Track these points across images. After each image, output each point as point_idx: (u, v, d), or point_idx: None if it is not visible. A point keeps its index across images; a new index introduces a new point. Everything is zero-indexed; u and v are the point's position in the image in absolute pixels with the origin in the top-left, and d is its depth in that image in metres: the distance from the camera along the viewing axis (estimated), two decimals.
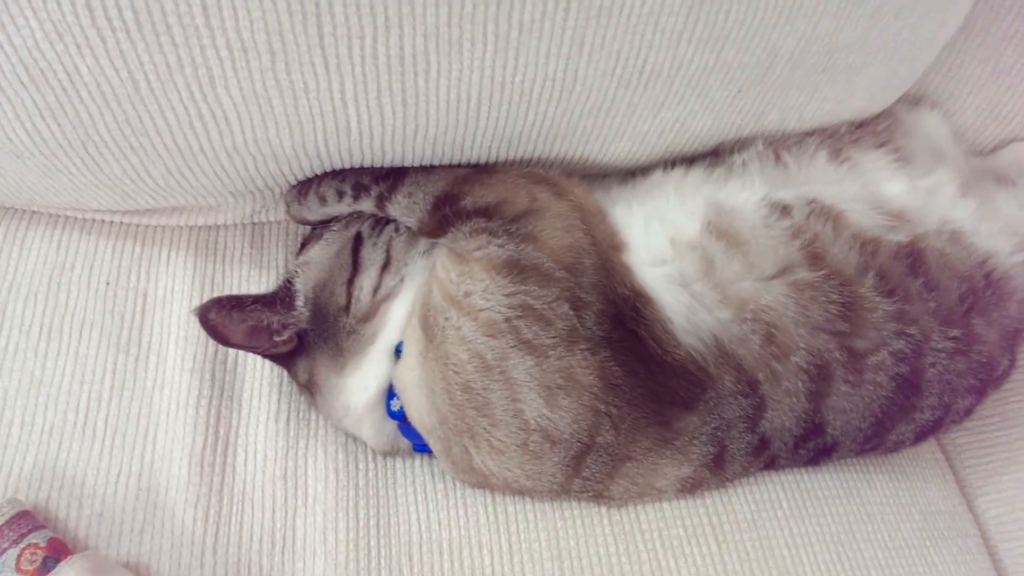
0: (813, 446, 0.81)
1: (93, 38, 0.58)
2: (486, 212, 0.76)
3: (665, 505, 0.82)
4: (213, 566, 0.72)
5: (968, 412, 0.88)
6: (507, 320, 0.72)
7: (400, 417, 0.76)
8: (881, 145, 0.93)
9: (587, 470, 0.76)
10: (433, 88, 0.68)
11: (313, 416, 0.81)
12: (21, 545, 0.66)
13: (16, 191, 0.80)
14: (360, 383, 0.76)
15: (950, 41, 0.99)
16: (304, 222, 0.86)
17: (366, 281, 0.76)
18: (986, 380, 0.85)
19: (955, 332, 0.79)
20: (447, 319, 0.73)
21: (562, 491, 0.78)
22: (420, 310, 0.75)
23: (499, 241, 0.74)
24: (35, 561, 0.66)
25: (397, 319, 0.76)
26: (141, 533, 0.72)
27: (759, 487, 0.85)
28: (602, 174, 0.91)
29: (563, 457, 0.74)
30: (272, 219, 0.92)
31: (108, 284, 0.85)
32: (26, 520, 0.69)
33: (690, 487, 0.81)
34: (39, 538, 0.68)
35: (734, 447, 0.78)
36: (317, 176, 0.82)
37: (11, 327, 0.81)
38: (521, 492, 0.80)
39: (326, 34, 0.60)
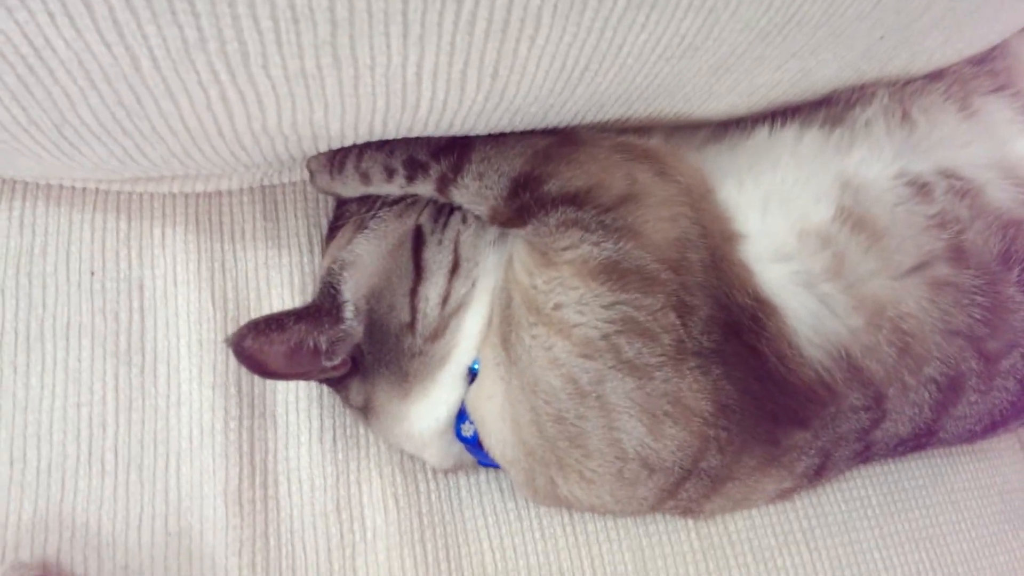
0: (912, 444, 0.74)
1: (74, 6, 0.39)
2: (575, 199, 0.62)
3: (755, 513, 0.75)
4: None
5: None
6: (605, 337, 0.60)
7: (473, 443, 0.65)
8: (999, 89, 0.79)
9: (684, 493, 0.67)
10: (536, 55, 0.51)
11: (361, 430, 0.69)
12: None
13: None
14: (428, 411, 0.64)
15: None
16: (332, 195, 0.69)
17: (432, 290, 0.62)
18: None
19: None
20: (534, 337, 0.60)
21: (651, 511, 0.70)
22: (499, 325, 0.62)
23: (594, 238, 0.61)
24: None
25: (471, 335, 0.63)
26: None
27: (848, 483, 0.79)
28: (692, 126, 0.76)
29: (661, 483, 0.65)
30: (286, 180, 0.75)
31: (92, 274, 0.68)
32: None
33: (784, 496, 0.74)
34: None
35: (838, 455, 0.71)
36: (360, 146, 0.65)
37: None
38: (605, 513, 0.71)
39: None
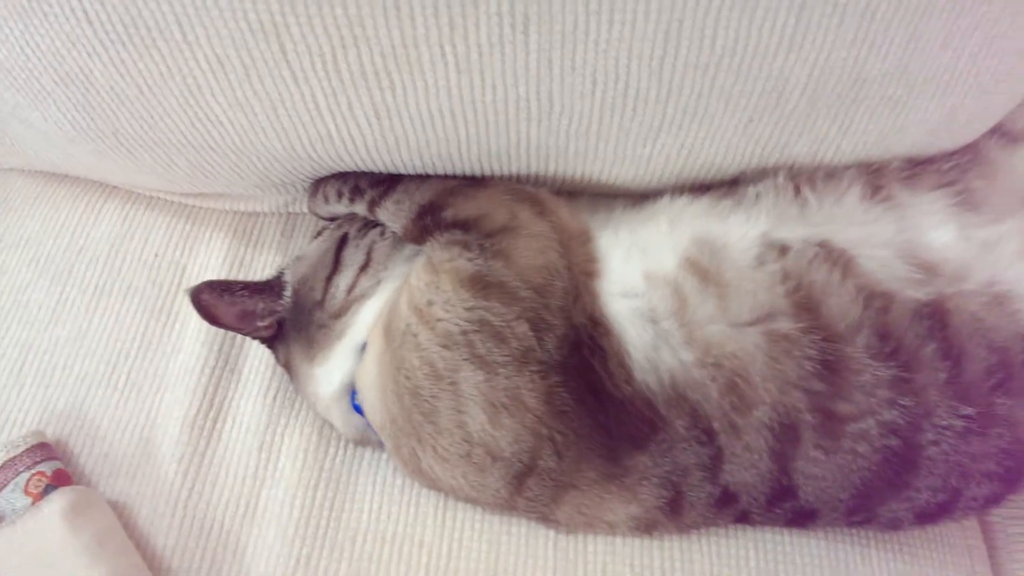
0: (789, 507, 0.75)
1: (98, 46, 0.67)
2: (464, 225, 0.77)
3: (619, 541, 0.80)
4: (182, 518, 0.81)
5: (993, 501, 0.77)
6: (463, 333, 0.73)
7: (361, 412, 0.80)
8: (944, 186, 0.82)
9: (529, 491, 0.75)
10: (402, 103, 0.70)
11: (298, 399, 0.87)
12: (32, 471, 0.78)
13: (88, 170, 0.94)
14: (326, 375, 0.81)
15: None
16: (318, 216, 0.92)
17: (343, 280, 0.80)
18: (1016, 469, 0.74)
19: (968, 410, 0.70)
20: (407, 325, 0.75)
21: (508, 507, 0.79)
22: (386, 315, 0.78)
23: (470, 255, 0.75)
24: (39, 486, 0.78)
25: (366, 319, 0.80)
26: (132, 477, 0.83)
27: (728, 540, 0.80)
28: (614, 195, 0.89)
29: (505, 474, 0.74)
30: (304, 210, 1.00)
31: (156, 256, 0.96)
32: (43, 451, 0.81)
33: (644, 527, 0.78)
34: (48, 467, 0.79)
35: (693, 495, 0.74)
36: (330, 176, 0.87)
37: (73, 284, 0.94)
38: (469, 501, 0.81)
39: (288, 50, 0.64)
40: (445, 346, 0.73)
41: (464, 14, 0.62)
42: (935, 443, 0.70)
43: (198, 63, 0.66)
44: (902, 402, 0.69)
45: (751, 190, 0.81)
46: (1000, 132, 0.91)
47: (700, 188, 0.85)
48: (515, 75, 0.68)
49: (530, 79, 0.68)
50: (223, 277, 0.93)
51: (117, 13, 0.63)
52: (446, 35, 0.64)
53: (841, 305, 0.71)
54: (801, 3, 0.64)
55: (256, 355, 0.90)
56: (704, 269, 0.74)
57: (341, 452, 0.85)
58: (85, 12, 0.64)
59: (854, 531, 0.82)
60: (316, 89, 0.68)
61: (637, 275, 0.76)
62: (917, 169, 0.84)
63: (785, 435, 0.70)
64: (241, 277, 0.95)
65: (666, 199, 0.84)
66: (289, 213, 1.00)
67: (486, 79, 0.68)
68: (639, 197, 0.88)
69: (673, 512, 0.76)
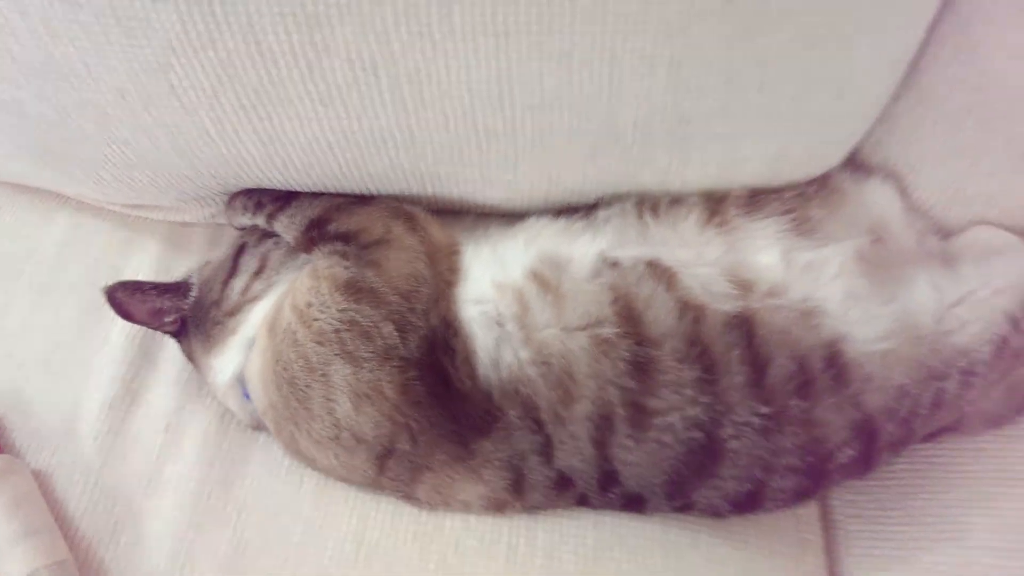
0: (619, 492, 0.85)
1: (22, 80, 0.79)
2: (345, 237, 0.89)
3: (472, 518, 0.90)
4: (93, 487, 0.92)
5: (803, 494, 0.86)
6: (335, 331, 0.84)
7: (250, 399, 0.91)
8: (782, 213, 0.92)
9: (391, 471, 0.86)
10: (280, 131, 0.82)
11: (204, 388, 0.99)
12: None
13: (38, 182, 1.07)
14: (221, 367, 0.92)
15: (908, 110, 0.95)
16: (233, 226, 1.04)
17: (238, 283, 0.92)
18: (818, 465, 0.83)
19: (765, 409, 0.80)
20: (288, 323, 0.87)
21: (375, 486, 0.89)
22: (272, 314, 0.90)
23: (346, 263, 0.86)
24: None
25: (256, 318, 0.91)
26: (55, 451, 0.95)
27: (570, 521, 0.89)
28: (490, 215, 1.00)
29: (369, 456, 0.85)
30: None
31: (96, 260, 1.09)
32: None
33: (494, 507, 0.88)
34: None
35: (533, 477, 0.85)
36: (240, 191, 0.99)
37: (22, 284, 1.07)
38: (342, 480, 0.91)
39: (175, 85, 0.76)
40: (319, 342, 0.84)
41: (319, 58, 0.74)
42: (736, 437, 0.80)
43: (103, 94, 0.79)
44: (703, 400, 0.79)
45: (603, 214, 0.92)
46: (854, 165, 1.01)
47: (568, 210, 0.96)
48: (375, 109, 0.79)
49: (388, 113, 0.80)
50: (152, 280, 1.05)
51: (34, 52, 0.76)
52: (307, 75, 0.75)
53: (659, 315, 0.82)
54: (611, 56, 0.75)
55: (172, 349, 1.01)
56: (546, 280, 0.85)
57: (238, 435, 0.96)
58: (10, 51, 0.77)
59: (690, 519, 0.91)
60: (205, 119, 0.80)
61: (488, 284, 0.87)
62: (759, 196, 0.94)
63: (603, 425, 0.80)
64: (168, 278, 1.07)
65: (532, 219, 0.95)
66: (216, 224, 1.12)
67: (350, 112, 0.80)
68: (513, 217, 0.99)
69: (517, 493, 0.86)
